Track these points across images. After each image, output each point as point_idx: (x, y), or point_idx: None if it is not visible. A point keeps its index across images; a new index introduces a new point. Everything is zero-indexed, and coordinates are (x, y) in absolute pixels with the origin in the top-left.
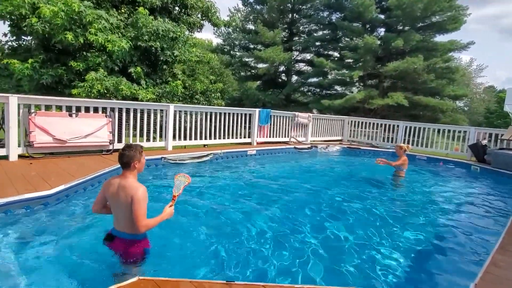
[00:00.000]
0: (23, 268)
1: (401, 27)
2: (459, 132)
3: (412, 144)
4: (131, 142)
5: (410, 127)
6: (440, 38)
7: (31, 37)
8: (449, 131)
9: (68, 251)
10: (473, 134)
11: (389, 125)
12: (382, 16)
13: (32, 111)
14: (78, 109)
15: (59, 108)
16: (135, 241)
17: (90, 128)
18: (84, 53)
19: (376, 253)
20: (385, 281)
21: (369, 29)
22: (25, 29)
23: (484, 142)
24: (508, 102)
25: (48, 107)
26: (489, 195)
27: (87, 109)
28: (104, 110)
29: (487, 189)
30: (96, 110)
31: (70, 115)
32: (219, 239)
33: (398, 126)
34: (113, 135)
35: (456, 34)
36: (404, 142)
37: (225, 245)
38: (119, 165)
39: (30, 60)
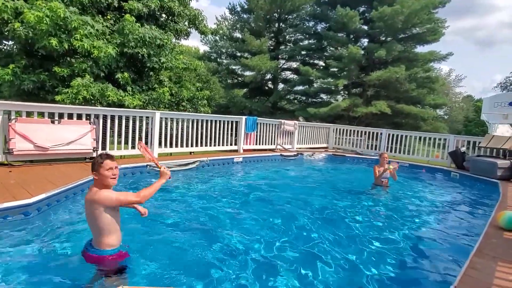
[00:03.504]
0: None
1: (383, 38)
2: (440, 139)
3: (395, 151)
4: (115, 149)
5: (393, 135)
6: (420, 49)
7: (13, 42)
8: (430, 138)
9: (48, 261)
10: (452, 142)
11: (373, 133)
12: (366, 27)
13: (13, 117)
14: (61, 115)
15: (41, 114)
16: (104, 256)
17: (73, 135)
18: (69, 59)
19: (354, 258)
20: (364, 287)
21: (353, 39)
22: (6, 33)
23: (463, 149)
24: (484, 111)
25: (29, 114)
26: (467, 200)
27: (70, 116)
28: (88, 117)
29: (466, 194)
30: (79, 117)
31: (53, 122)
32: (203, 247)
33: (381, 133)
34: (97, 142)
35: (436, 45)
36: (386, 150)
37: (208, 254)
38: None
39: (11, 66)
